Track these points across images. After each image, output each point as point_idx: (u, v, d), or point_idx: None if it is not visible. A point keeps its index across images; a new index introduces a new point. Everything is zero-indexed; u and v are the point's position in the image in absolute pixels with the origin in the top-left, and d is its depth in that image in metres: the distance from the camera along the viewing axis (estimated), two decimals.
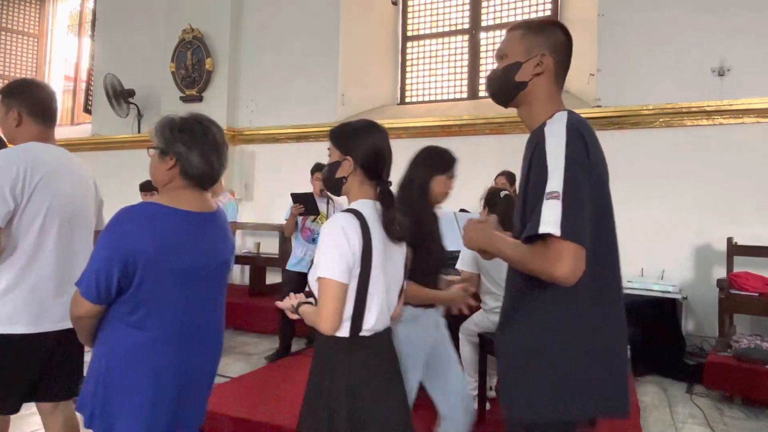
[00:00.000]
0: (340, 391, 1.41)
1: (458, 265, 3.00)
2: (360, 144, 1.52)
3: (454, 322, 2.62)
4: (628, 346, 1.35)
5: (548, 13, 5.98)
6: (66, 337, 1.87)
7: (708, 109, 4.70)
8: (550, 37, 1.35)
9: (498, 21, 6.27)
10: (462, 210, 4.03)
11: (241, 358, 4.45)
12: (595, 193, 1.21)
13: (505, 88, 1.39)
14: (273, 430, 2.75)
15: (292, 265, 4.29)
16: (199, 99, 6.75)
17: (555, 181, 1.17)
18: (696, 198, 4.75)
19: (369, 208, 1.50)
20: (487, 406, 2.94)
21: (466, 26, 6.42)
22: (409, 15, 6.72)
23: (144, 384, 1.44)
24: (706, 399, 3.66)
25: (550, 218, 1.15)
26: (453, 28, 6.50)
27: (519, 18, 6.14)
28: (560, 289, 1.19)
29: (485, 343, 2.91)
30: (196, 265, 1.49)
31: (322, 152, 6.11)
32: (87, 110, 8.16)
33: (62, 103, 9.23)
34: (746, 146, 4.61)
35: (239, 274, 6.68)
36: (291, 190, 4.37)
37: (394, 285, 1.55)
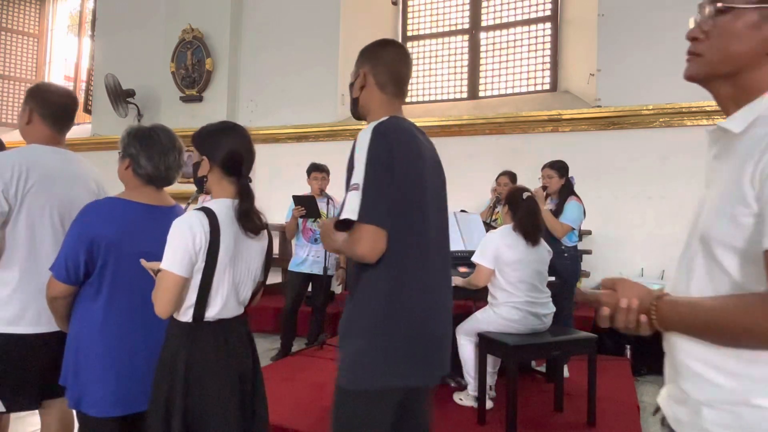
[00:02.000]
0: (179, 367, 1.54)
1: (476, 258, 2.99)
2: (215, 145, 1.64)
3: (453, 322, 2.61)
4: (448, 328, 1.61)
5: (548, 13, 5.98)
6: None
7: (708, 109, 4.70)
8: (372, 56, 1.59)
9: (498, 21, 6.27)
10: (462, 211, 4.02)
11: None
12: (404, 187, 1.41)
13: (351, 105, 1.67)
14: (273, 429, 2.74)
15: (295, 265, 4.27)
16: (199, 99, 6.76)
17: (357, 176, 1.40)
18: (696, 198, 4.75)
19: (224, 206, 1.60)
20: (488, 405, 2.94)
21: (466, 26, 6.42)
22: (409, 15, 6.72)
23: (109, 357, 1.66)
24: None
25: (350, 207, 1.38)
26: (453, 28, 6.50)
27: (519, 18, 6.15)
28: (370, 272, 1.42)
29: (485, 343, 2.92)
30: (150, 250, 1.65)
31: (322, 152, 6.09)
32: (87, 110, 8.15)
33: None
34: None
35: None
36: (291, 191, 4.37)
37: (246, 277, 1.67)
